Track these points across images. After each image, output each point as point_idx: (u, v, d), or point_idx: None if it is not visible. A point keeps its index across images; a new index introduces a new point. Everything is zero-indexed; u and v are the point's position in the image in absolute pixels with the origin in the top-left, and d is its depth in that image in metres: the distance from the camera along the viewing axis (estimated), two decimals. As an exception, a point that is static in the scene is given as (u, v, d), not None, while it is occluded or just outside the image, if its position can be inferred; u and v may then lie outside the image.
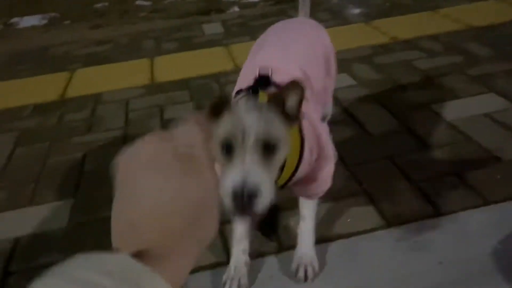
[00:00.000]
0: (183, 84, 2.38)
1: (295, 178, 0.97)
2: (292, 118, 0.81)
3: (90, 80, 2.61)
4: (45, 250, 1.33)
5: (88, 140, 1.94)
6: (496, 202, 1.31)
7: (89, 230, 1.38)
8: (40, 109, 2.30)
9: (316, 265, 1.14)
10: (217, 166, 0.80)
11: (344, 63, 2.30)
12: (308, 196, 1.15)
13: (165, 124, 2.00)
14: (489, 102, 1.84)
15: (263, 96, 0.89)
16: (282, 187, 1.00)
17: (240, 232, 1.19)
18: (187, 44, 3.04)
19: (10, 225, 1.45)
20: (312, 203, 1.17)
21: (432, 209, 1.31)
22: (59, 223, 1.43)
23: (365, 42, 2.64)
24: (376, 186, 1.43)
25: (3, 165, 1.82)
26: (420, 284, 1.06)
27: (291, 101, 0.79)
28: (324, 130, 1.10)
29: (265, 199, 0.72)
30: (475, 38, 2.53)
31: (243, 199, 0.70)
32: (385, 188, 1.42)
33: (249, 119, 0.76)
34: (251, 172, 0.72)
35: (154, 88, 2.40)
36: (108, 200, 1.47)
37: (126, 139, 1.90)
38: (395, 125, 1.76)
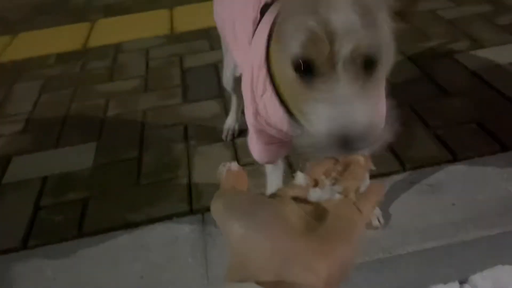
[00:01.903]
0: (203, 33, 2.37)
1: None
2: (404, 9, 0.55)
3: (111, 30, 2.63)
4: (72, 187, 1.39)
5: (110, 87, 1.98)
6: (515, 148, 1.30)
7: (111, 170, 1.44)
8: (63, 58, 2.34)
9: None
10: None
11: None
12: None
13: (185, 72, 2.02)
14: (516, 52, 1.79)
15: None
16: None
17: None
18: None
19: (38, 165, 1.52)
20: None
21: (448, 154, 1.31)
22: (84, 164, 1.49)
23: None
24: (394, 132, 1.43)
25: (30, 110, 1.88)
26: (433, 221, 1.08)
27: None
28: None
29: (376, 138, 0.54)
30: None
31: (348, 143, 0.51)
32: (403, 134, 1.41)
33: (338, 14, 0.48)
34: (356, 106, 0.51)
35: (174, 37, 2.40)
36: (128, 143, 1.50)
37: (147, 86, 1.93)
38: (416, 74, 1.74)
